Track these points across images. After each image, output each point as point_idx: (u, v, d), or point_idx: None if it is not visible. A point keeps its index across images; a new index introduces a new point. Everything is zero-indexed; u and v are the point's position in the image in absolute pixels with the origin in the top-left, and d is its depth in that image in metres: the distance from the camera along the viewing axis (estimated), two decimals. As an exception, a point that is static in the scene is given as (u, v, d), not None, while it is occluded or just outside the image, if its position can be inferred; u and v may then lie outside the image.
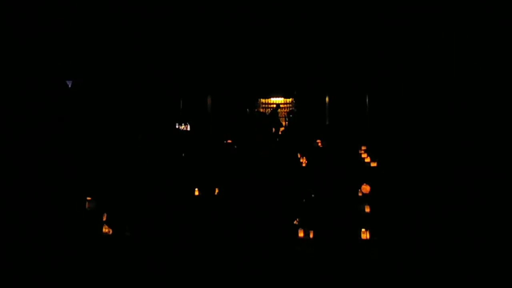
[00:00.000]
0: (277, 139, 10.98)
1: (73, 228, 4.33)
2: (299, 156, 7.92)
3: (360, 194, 5.76)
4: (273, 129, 12.19)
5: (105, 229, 4.72)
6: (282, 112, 13.94)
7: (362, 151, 7.81)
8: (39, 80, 5.13)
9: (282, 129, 12.40)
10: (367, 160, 7.44)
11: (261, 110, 14.74)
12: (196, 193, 5.70)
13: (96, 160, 5.62)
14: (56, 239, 3.97)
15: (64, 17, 5.46)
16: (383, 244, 4.36)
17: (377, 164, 6.94)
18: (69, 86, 5.76)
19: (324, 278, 3.68)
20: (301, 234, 4.91)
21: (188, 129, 9.87)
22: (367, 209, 5.40)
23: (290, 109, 13.88)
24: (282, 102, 14.81)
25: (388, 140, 6.84)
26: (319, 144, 9.05)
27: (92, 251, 3.98)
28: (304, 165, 7.58)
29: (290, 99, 14.49)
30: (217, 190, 5.53)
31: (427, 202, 4.55)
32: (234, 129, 10.22)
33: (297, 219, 4.96)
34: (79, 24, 5.87)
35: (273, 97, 14.85)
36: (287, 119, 12.92)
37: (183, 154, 7.73)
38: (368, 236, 4.77)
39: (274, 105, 14.84)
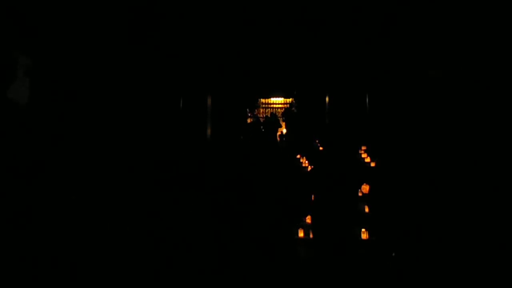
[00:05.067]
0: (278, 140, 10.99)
1: (69, 229, 4.32)
2: (298, 156, 7.93)
3: (360, 194, 5.77)
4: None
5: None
6: (282, 112, 13.96)
7: (362, 151, 7.81)
8: (36, 79, 5.14)
9: (281, 129, 12.40)
10: (367, 160, 7.44)
11: (261, 110, 14.73)
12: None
13: (95, 161, 5.61)
14: (52, 240, 3.96)
15: (63, 15, 5.46)
16: (382, 244, 4.36)
17: (376, 164, 6.95)
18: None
19: (324, 278, 3.68)
20: (301, 234, 4.93)
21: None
22: (367, 209, 5.41)
23: (290, 108, 13.84)
24: (282, 102, 14.81)
25: (388, 140, 6.83)
26: (319, 144, 9.05)
27: (90, 251, 3.98)
28: (304, 165, 7.59)
29: (290, 99, 14.49)
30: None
31: (426, 202, 4.55)
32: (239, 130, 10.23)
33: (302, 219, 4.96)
34: (78, 23, 5.87)
35: (273, 97, 14.85)
36: (284, 119, 12.89)
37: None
38: (368, 236, 4.77)
39: (274, 106, 14.84)
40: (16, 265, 3.21)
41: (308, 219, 5.22)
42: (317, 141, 9.13)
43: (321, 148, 8.56)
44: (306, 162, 7.75)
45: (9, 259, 3.21)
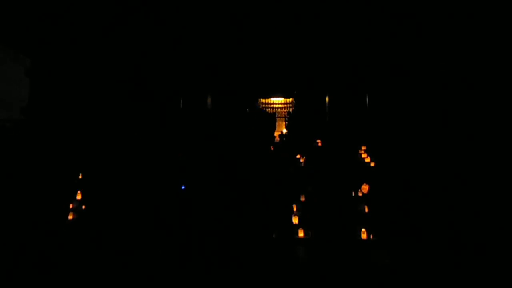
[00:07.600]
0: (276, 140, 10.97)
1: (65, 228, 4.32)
2: (298, 156, 7.91)
3: (360, 194, 5.76)
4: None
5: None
6: (282, 112, 13.92)
7: (362, 151, 7.80)
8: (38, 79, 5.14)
9: (278, 133, 12.36)
10: (367, 160, 7.43)
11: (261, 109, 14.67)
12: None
13: (94, 159, 5.61)
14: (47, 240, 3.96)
15: (64, 15, 5.46)
16: (381, 243, 4.36)
17: (375, 164, 6.94)
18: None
19: (324, 278, 3.68)
20: (301, 234, 4.92)
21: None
22: (367, 209, 5.40)
23: (291, 109, 13.84)
24: (282, 102, 14.78)
25: (388, 140, 6.83)
26: (319, 144, 9.04)
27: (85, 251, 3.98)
28: (303, 165, 7.56)
29: (290, 99, 14.45)
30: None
31: (425, 202, 4.55)
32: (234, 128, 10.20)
33: (297, 219, 4.95)
34: (79, 23, 5.87)
35: (273, 97, 14.81)
36: (287, 119, 12.88)
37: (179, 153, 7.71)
38: (367, 236, 4.77)
39: (274, 106, 14.79)
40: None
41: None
42: (318, 140, 9.13)
43: (320, 145, 8.56)
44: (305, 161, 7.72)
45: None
